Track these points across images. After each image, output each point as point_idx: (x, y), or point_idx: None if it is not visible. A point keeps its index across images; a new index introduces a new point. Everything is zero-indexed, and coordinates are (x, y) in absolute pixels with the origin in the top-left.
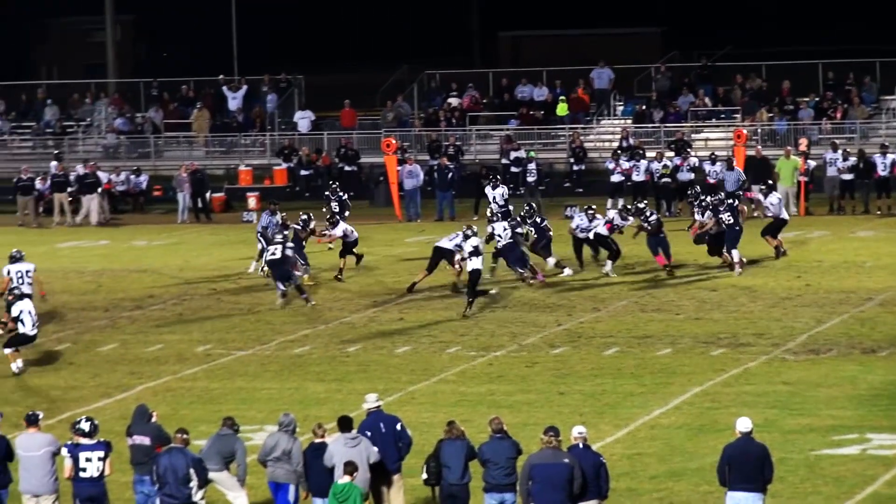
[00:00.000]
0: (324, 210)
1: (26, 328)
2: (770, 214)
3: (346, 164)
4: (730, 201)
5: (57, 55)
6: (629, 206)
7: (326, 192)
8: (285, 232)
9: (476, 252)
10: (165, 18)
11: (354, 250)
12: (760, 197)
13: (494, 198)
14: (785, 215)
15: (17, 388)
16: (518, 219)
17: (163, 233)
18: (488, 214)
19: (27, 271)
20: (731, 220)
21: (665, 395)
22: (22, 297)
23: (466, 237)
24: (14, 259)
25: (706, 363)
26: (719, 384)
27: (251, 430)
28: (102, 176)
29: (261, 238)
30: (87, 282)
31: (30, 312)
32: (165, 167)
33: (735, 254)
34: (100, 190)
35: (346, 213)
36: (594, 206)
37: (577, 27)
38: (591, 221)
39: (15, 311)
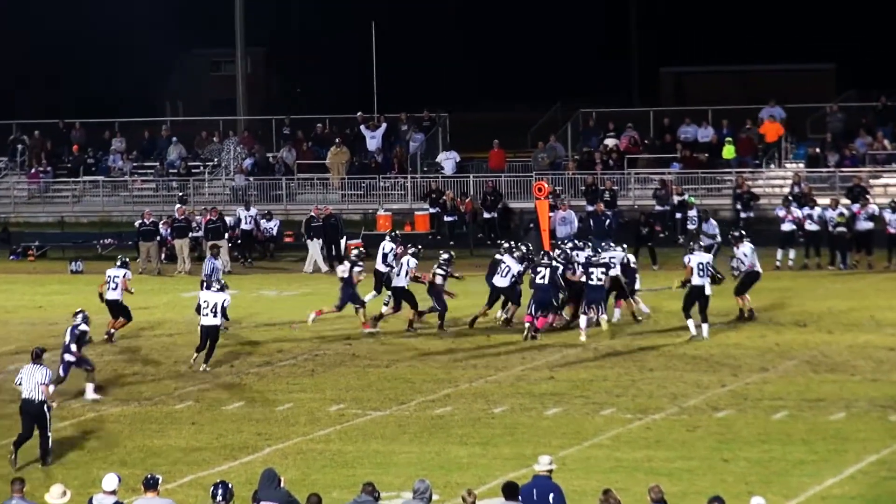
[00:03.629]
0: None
1: None
2: (743, 269)
3: (488, 211)
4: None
5: (182, 90)
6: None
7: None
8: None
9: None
10: (299, 51)
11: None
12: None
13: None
14: (758, 268)
15: (135, 449)
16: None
17: (293, 282)
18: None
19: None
20: (600, 281)
21: (838, 463)
22: None
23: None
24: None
25: (884, 429)
26: None
27: (388, 497)
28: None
29: (204, 286)
30: None
31: None
32: (298, 211)
33: (583, 319)
34: (227, 235)
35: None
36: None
37: (745, 63)
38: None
39: None
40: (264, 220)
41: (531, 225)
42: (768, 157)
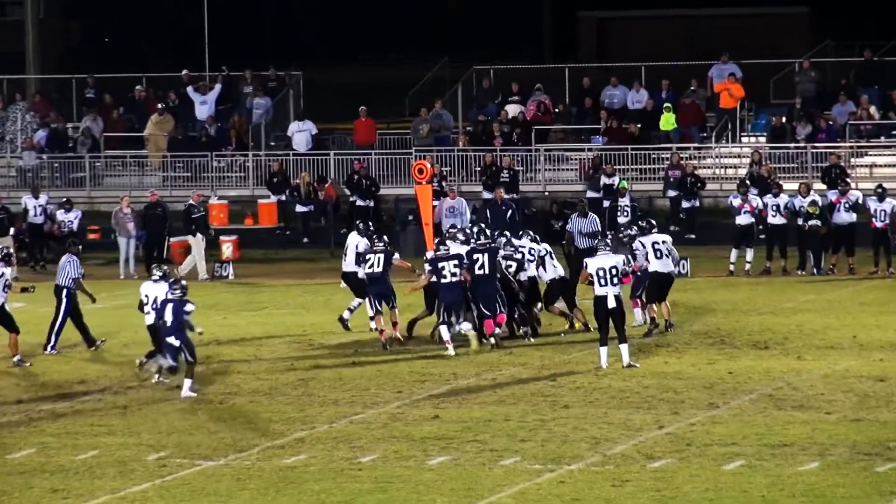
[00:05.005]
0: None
1: None
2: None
3: (360, 198)
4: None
5: None
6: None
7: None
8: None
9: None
10: None
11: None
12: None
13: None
14: (663, 268)
15: None
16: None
17: (101, 292)
18: None
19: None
20: (455, 278)
21: None
22: None
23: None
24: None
25: (869, 483)
26: None
27: None
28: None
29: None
30: None
31: None
32: (105, 199)
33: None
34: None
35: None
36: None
37: (690, 5)
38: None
39: None
40: (61, 211)
41: (410, 217)
42: (720, 128)
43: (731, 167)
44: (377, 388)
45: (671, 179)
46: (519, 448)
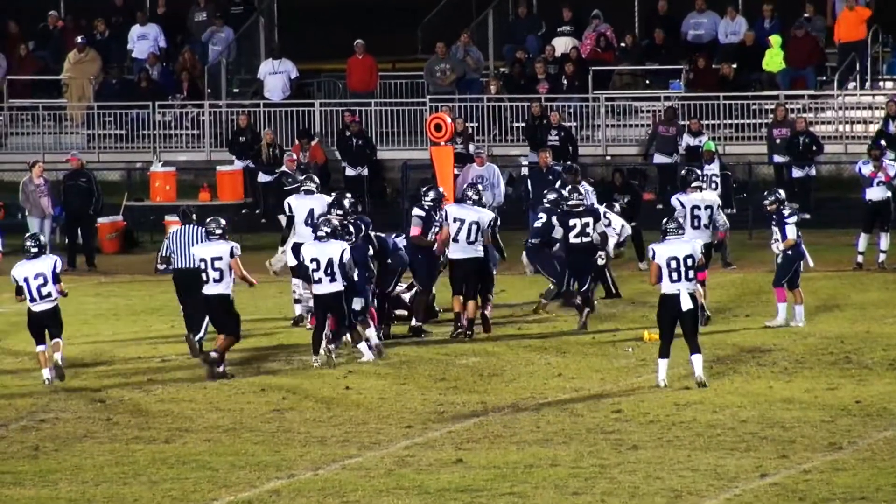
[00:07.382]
0: None
1: None
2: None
3: (351, 165)
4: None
5: None
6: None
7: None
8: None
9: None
10: None
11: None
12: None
13: None
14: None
15: None
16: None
17: (3, 292)
18: None
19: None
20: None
21: None
22: None
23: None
24: None
25: None
26: None
27: None
28: None
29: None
30: None
31: None
32: (11, 164)
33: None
34: None
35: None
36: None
37: None
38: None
39: None
40: None
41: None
42: (844, 69)
43: (859, 122)
44: (379, 422)
45: (777, 140)
46: (571, 503)
